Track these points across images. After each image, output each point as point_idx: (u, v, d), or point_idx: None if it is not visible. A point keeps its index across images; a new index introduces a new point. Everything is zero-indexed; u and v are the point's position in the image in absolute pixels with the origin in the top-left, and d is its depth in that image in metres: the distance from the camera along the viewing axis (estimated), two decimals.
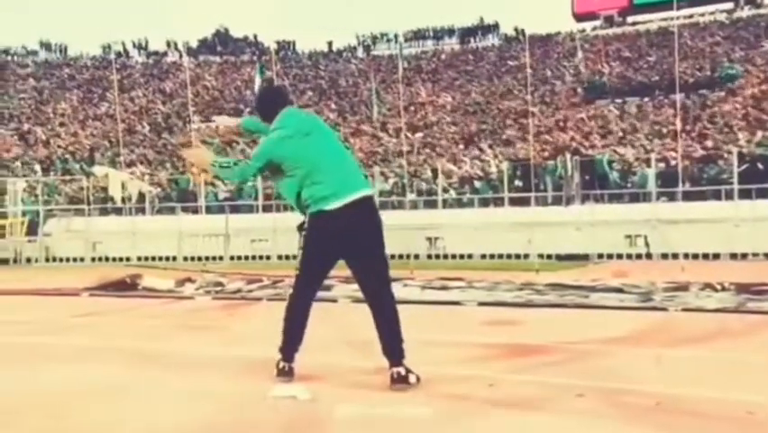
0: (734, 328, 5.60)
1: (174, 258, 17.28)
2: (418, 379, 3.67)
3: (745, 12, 30.89)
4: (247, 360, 4.56)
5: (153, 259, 17.04)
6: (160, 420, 3.30)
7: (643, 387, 3.68)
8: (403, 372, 3.65)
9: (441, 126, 27.67)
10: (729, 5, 31.46)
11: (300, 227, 3.85)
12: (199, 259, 16.45)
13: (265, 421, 3.26)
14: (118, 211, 20.25)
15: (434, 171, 19.99)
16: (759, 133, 19.66)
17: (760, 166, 16.17)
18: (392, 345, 3.73)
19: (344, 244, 3.76)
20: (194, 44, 38.16)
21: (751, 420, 3.08)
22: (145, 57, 38.25)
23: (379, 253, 3.83)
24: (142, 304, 8.18)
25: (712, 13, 31.77)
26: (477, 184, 19.12)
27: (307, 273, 3.87)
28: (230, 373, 4.24)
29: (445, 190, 19.03)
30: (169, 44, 38.23)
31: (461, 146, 25.07)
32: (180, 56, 34.90)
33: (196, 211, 19.69)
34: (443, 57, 35.47)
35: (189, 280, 9.90)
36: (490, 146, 24.07)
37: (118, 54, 36.20)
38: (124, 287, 9.49)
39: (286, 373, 3.83)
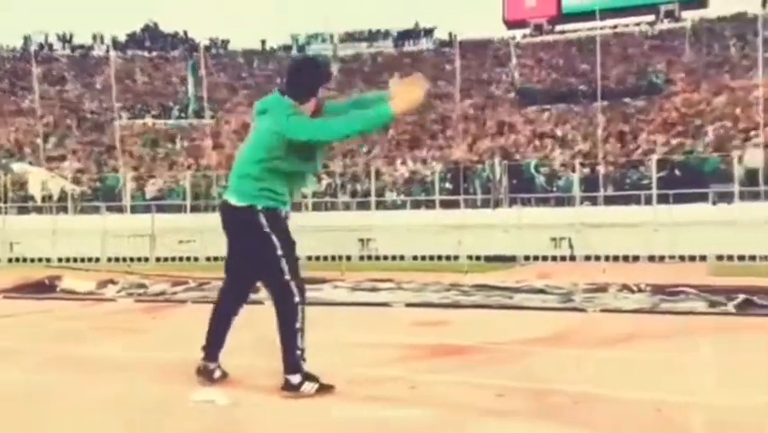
0: (648, 329, 5.82)
1: (97, 259, 16.75)
2: (324, 388, 3.57)
3: (666, 24, 32.26)
4: (167, 363, 4.46)
5: (75, 260, 16.48)
6: (78, 425, 3.18)
7: (561, 386, 3.79)
8: (293, 380, 3.56)
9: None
10: (651, 18, 32.76)
11: None
12: (124, 260, 16.01)
13: (183, 426, 3.19)
14: (39, 210, 19.47)
15: (369, 174, 20.05)
16: (678, 141, 20.58)
17: (678, 173, 16.94)
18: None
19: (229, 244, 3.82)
20: (122, 39, 36.99)
21: (659, 417, 3.22)
22: (70, 50, 36.86)
23: (247, 260, 3.75)
24: (61, 306, 7.87)
25: (637, 24, 33.05)
26: (411, 186, 19.31)
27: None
28: (149, 376, 4.13)
29: (380, 193, 19.13)
30: (95, 38, 36.97)
31: (397, 149, 25.23)
32: (107, 50, 33.78)
33: (121, 210, 19.13)
34: (379, 60, 35.61)
35: (111, 282, 9.60)
36: (425, 149, 24.32)
37: (41, 46, 34.78)
38: (43, 289, 9.13)
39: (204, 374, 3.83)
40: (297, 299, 3.59)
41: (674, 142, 20.55)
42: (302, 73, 3.77)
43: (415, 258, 16.23)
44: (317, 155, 3.75)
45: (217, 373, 3.86)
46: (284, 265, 3.60)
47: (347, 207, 19.15)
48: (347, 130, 3.57)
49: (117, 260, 16.42)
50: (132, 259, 16.34)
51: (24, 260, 17.27)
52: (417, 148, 24.74)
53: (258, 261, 3.69)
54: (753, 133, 19.41)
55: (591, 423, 3.15)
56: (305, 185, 3.86)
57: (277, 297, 3.64)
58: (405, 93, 3.52)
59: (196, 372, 3.86)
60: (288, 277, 3.60)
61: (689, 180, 16.45)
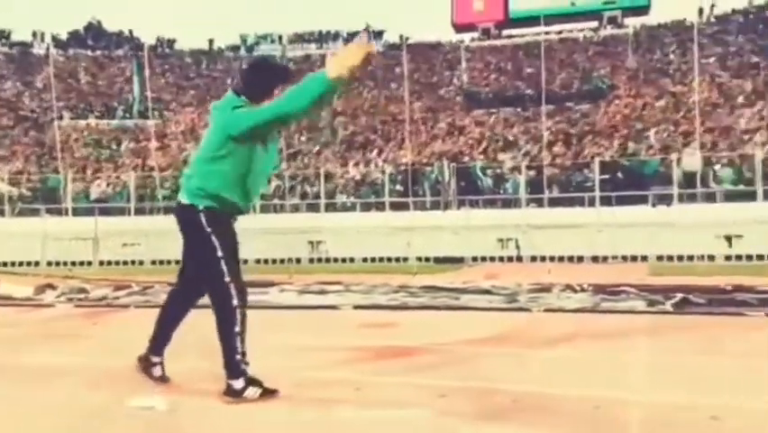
0: (590, 328, 5.96)
1: (37, 263, 16.22)
2: (268, 393, 3.52)
3: (609, 31, 33.11)
4: (107, 370, 4.34)
5: (13, 264, 15.92)
6: None
7: (503, 386, 3.84)
8: (235, 385, 3.50)
9: (328, 128, 27.68)
10: (595, 24, 33.58)
11: None
12: (65, 264, 15.55)
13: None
14: None
15: (318, 176, 19.99)
16: (621, 144, 21.14)
17: (620, 175, 17.41)
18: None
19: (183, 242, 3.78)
20: (64, 36, 35.95)
21: (596, 414, 3.30)
22: (8, 48, 35.62)
23: (192, 258, 3.75)
24: None
25: (581, 30, 33.82)
26: (361, 189, 19.33)
27: None
28: (88, 383, 4.02)
29: (330, 195, 19.09)
30: (35, 35, 35.81)
31: (347, 150, 25.22)
32: (48, 48, 32.77)
33: (61, 213, 18.57)
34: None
35: (50, 286, 9.29)
36: (376, 151, 24.38)
37: None
38: None
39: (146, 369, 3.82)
40: (235, 301, 3.53)
41: (617, 145, 21.10)
42: (256, 73, 3.73)
43: (365, 260, 16.24)
44: (266, 155, 3.66)
45: (158, 371, 3.81)
46: (223, 267, 3.55)
47: (296, 209, 19.04)
48: (285, 107, 3.42)
49: (58, 264, 15.93)
50: (73, 263, 15.89)
51: None
52: (367, 150, 24.77)
53: (199, 261, 3.66)
54: (691, 137, 20.09)
55: (531, 421, 3.20)
56: (259, 187, 3.78)
57: (215, 299, 3.58)
58: (341, 56, 3.40)
59: (137, 359, 3.82)
60: (227, 279, 3.55)
61: (630, 183, 16.93)
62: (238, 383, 3.51)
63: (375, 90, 31.84)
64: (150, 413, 3.32)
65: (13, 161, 25.07)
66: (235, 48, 36.65)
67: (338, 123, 28.46)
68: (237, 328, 3.52)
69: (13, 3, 64.47)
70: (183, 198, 3.66)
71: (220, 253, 3.56)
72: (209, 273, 3.59)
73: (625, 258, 15.24)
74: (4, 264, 15.83)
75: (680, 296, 7.27)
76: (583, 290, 8.11)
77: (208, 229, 3.57)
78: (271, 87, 3.66)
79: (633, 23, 33.32)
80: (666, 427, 3.15)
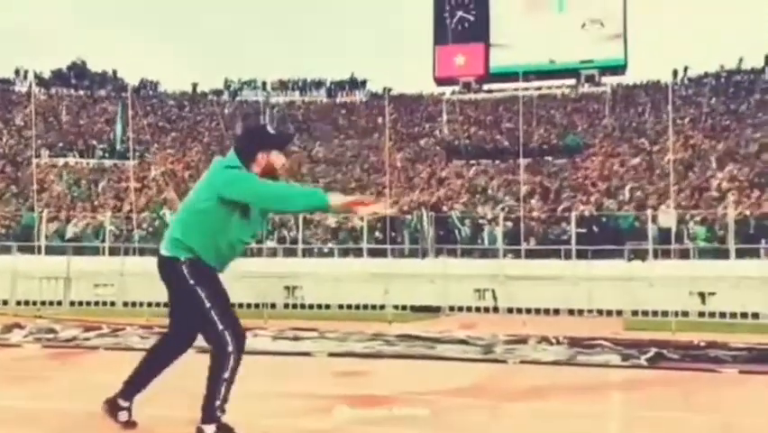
0: (565, 381, 5.94)
1: (5, 302, 15.84)
2: None
3: (586, 89, 33.97)
4: (71, 414, 4.23)
5: None
6: None
7: None
8: (206, 430, 3.44)
9: (309, 176, 27.80)
10: (573, 81, 34.44)
11: None
12: (35, 303, 15.21)
13: None
14: None
15: (297, 221, 19.95)
16: (597, 200, 21.46)
17: (596, 229, 17.62)
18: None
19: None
20: (47, 75, 36.01)
21: None
22: None
23: (181, 310, 3.70)
24: None
25: (559, 87, 34.66)
26: (339, 235, 19.31)
27: None
28: (51, 428, 3.90)
29: (307, 240, 19.04)
30: (18, 72, 35.84)
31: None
32: (30, 86, 32.75)
33: (34, 251, 18.27)
34: (312, 108, 35.93)
35: (18, 326, 9.10)
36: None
37: None
38: None
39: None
40: (230, 348, 3.48)
41: (593, 200, 21.42)
42: (245, 136, 3.87)
43: (341, 307, 16.09)
44: (247, 223, 3.61)
45: (124, 416, 3.71)
46: (214, 316, 3.49)
47: (273, 253, 18.93)
48: (279, 203, 3.50)
49: (27, 303, 15.58)
50: (43, 302, 15.55)
51: None
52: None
53: (189, 313, 3.61)
54: (664, 195, 20.46)
55: None
56: (235, 253, 3.70)
57: (211, 345, 3.53)
58: (357, 199, 3.49)
59: (104, 401, 3.71)
60: (221, 327, 3.49)
61: (606, 237, 17.13)
62: (209, 429, 3.45)
63: (356, 139, 32.17)
64: None
65: None
66: (219, 92, 36.92)
67: (320, 169, 28.63)
68: (226, 375, 3.48)
69: None
70: (164, 250, 3.61)
71: (208, 304, 3.50)
72: (201, 324, 3.55)
73: (600, 312, 15.28)
74: None
75: (654, 351, 7.29)
76: (559, 342, 8.11)
77: (191, 281, 3.52)
78: (257, 152, 3.64)
79: (610, 81, 34.23)
80: None
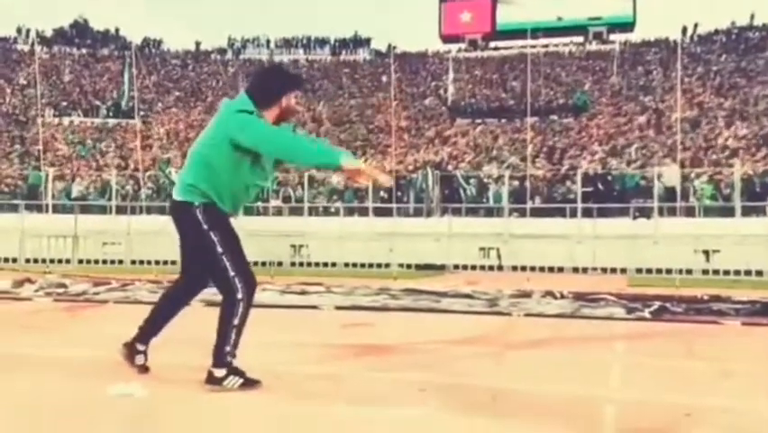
0: (569, 332, 6.03)
1: (14, 260, 16.02)
2: (249, 383, 3.53)
3: (594, 46, 33.52)
4: (86, 360, 4.32)
5: None
6: None
7: (482, 382, 3.88)
8: (216, 373, 3.52)
9: (313, 136, 27.73)
10: (580, 39, 33.98)
11: None
12: (44, 261, 15.38)
13: (102, 419, 3.11)
14: None
15: (302, 180, 19.98)
16: (602, 158, 21.39)
17: (601, 188, 17.61)
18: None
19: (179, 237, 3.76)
20: (49, 33, 35.69)
21: (574, 411, 3.35)
22: None
23: (193, 255, 3.71)
24: None
25: (567, 44, 34.21)
26: (344, 195, 19.35)
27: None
28: (63, 373, 4.00)
29: (313, 199, 19.09)
30: (19, 31, 35.52)
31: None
32: (32, 45, 32.50)
33: (41, 210, 18.38)
34: (316, 66, 35.61)
35: (29, 281, 9.22)
36: (362, 158, 24.42)
37: None
38: None
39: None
40: (239, 295, 3.52)
41: (599, 158, 21.34)
42: (266, 78, 3.73)
43: (346, 265, 16.24)
44: (260, 168, 3.60)
45: (140, 359, 3.79)
46: (226, 262, 3.52)
47: (279, 212, 19.01)
48: (292, 154, 3.48)
49: (36, 261, 15.75)
50: (52, 260, 15.72)
51: None
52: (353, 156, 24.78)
53: (200, 258, 3.64)
54: (671, 154, 20.38)
55: (512, 415, 3.24)
56: (246, 198, 3.73)
57: (221, 291, 3.58)
58: (366, 169, 3.38)
59: (122, 345, 3.79)
60: (232, 273, 3.52)
61: (611, 196, 17.13)
62: (219, 372, 3.52)
63: (360, 99, 31.94)
64: (129, 400, 3.32)
65: None
66: (222, 51, 36.58)
67: (324, 129, 28.51)
68: (236, 321, 3.53)
69: None
70: (177, 195, 3.62)
71: (220, 249, 3.53)
72: (212, 269, 3.59)
73: (604, 270, 15.39)
74: None
75: (658, 304, 7.36)
76: (563, 296, 8.19)
77: (205, 226, 3.54)
78: (280, 95, 3.60)
79: (618, 39, 33.75)
80: (641, 422, 3.21)
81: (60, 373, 4.01)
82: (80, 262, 15.92)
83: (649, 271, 15.20)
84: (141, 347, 3.81)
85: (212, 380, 3.52)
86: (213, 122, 3.64)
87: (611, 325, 6.48)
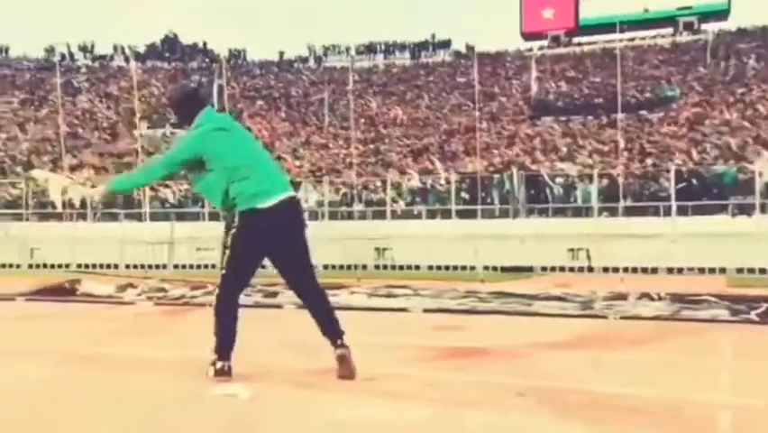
0: (667, 334, 5.78)
1: (116, 266, 16.86)
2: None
3: (684, 37, 32.14)
4: (188, 361, 4.48)
5: (94, 266, 16.61)
6: (99, 420, 3.22)
7: (579, 386, 3.78)
8: (345, 353, 3.84)
9: (391, 139, 27.86)
10: (669, 30, 32.66)
11: (228, 226, 3.83)
12: (142, 267, 16.11)
13: (205, 420, 3.22)
14: (58, 217, 19.64)
15: (384, 183, 20.09)
16: (695, 153, 20.46)
17: (695, 184, 16.82)
18: (329, 323, 3.95)
19: (273, 242, 3.84)
20: (141, 49, 37.48)
21: (680, 415, 3.20)
22: (90, 60, 37.41)
23: (303, 252, 3.95)
24: (81, 309, 7.97)
25: (653, 37, 32.95)
26: (426, 196, 19.32)
27: (238, 271, 3.88)
28: (170, 374, 4.16)
29: (394, 201, 19.16)
30: (115, 48, 37.48)
31: (411, 159, 25.27)
32: (127, 60, 34.22)
33: (139, 218, 19.27)
34: (394, 70, 35.80)
35: (131, 285, 9.67)
36: (440, 159, 24.34)
37: (62, 57, 35.30)
38: (63, 292, 9.23)
39: (224, 373, 3.79)
40: None
41: (693, 153, 20.42)
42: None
43: (430, 267, 16.20)
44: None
45: (233, 369, 3.90)
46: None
47: (363, 216, 19.18)
48: None
49: (135, 267, 16.53)
50: (149, 266, 16.45)
51: (44, 266, 17.39)
52: (431, 158, 24.74)
53: (307, 254, 3.95)
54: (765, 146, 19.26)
55: (611, 421, 3.14)
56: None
57: (313, 279, 3.97)
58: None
59: (215, 372, 3.81)
60: None
61: (706, 192, 16.34)
62: (346, 351, 3.87)
63: (436, 101, 31.78)
64: (235, 400, 3.42)
65: (95, 168, 26.20)
66: (304, 59, 37.34)
67: (401, 132, 28.57)
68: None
69: (95, 18, 67.58)
70: (293, 192, 3.98)
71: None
72: (310, 264, 3.97)
73: (702, 270, 14.69)
74: (86, 266, 16.55)
75: (765, 306, 6.96)
76: (660, 298, 7.87)
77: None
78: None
79: (711, 28, 32.22)
80: (755, 428, 3.04)
81: (166, 373, 4.18)
82: (175, 267, 16.57)
83: (751, 270, 14.41)
84: (229, 363, 3.85)
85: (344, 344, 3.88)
86: (239, 127, 4.07)
87: (714, 327, 6.18)
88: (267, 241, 3.82)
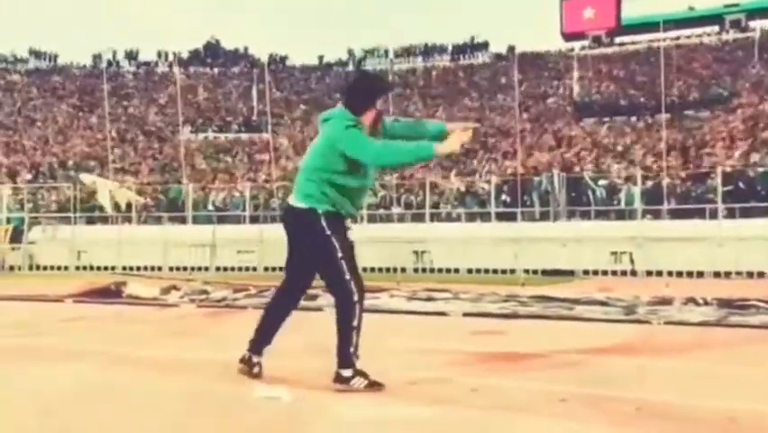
0: (714, 341, 5.64)
1: (159, 268, 17.18)
2: (374, 385, 3.68)
3: (732, 35, 31.37)
4: (230, 364, 4.54)
5: (139, 268, 16.94)
6: (144, 420, 3.29)
7: (624, 393, 3.71)
8: (344, 373, 3.70)
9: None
10: (716, 28, 31.92)
11: None
12: (185, 269, 16.38)
13: (249, 421, 3.26)
14: (104, 220, 20.13)
15: (423, 186, 20.04)
16: (744, 154, 19.91)
17: (742, 186, 16.35)
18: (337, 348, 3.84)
19: (289, 243, 3.98)
20: (185, 55, 38.21)
21: (731, 426, 3.12)
22: (136, 67, 38.29)
23: (307, 261, 3.90)
24: (127, 310, 8.13)
25: (699, 35, 32.24)
26: (465, 199, 19.20)
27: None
28: (213, 375, 4.23)
29: (434, 205, 19.10)
30: (160, 55, 38.30)
31: (451, 161, 25.17)
32: (171, 66, 34.93)
33: (183, 221, 19.61)
34: (434, 73, 35.77)
35: (174, 288, 9.86)
36: (480, 162, 24.22)
37: (109, 63, 36.20)
38: (109, 294, 9.44)
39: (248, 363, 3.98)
40: (355, 297, 3.73)
41: (740, 155, 19.89)
42: (358, 86, 3.99)
43: (470, 271, 16.09)
44: (369, 172, 3.89)
45: (257, 369, 3.98)
46: (344, 266, 3.74)
47: (401, 218, 19.17)
48: (389, 158, 3.76)
49: (178, 269, 16.82)
50: (192, 268, 16.74)
51: (91, 268, 17.83)
52: (472, 160, 24.63)
53: (319, 262, 3.84)
54: None
55: (658, 430, 3.07)
56: (360, 200, 4.02)
57: (337, 296, 3.78)
58: (454, 137, 3.69)
59: (239, 360, 4.01)
60: (347, 277, 3.74)
61: (754, 194, 15.87)
62: (347, 372, 3.70)
63: (478, 102, 31.67)
64: (277, 403, 3.46)
65: (140, 173, 26.80)
66: (343, 63, 37.57)
67: None
68: (355, 323, 3.73)
69: (140, 25, 69.13)
70: (299, 203, 3.85)
71: (340, 254, 3.76)
72: (330, 273, 3.80)
73: (750, 274, 14.27)
74: (131, 268, 16.90)
75: None
76: (707, 303, 7.68)
77: (328, 232, 3.77)
78: (373, 100, 3.87)
79: (760, 25, 31.38)
80: None
81: (209, 375, 4.25)
82: (217, 269, 16.82)
83: None
84: (256, 359, 4.00)
85: (340, 379, 3.69)
86: (321, 135, 3.90)
87: (763, 334, 6.00)
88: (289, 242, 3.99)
